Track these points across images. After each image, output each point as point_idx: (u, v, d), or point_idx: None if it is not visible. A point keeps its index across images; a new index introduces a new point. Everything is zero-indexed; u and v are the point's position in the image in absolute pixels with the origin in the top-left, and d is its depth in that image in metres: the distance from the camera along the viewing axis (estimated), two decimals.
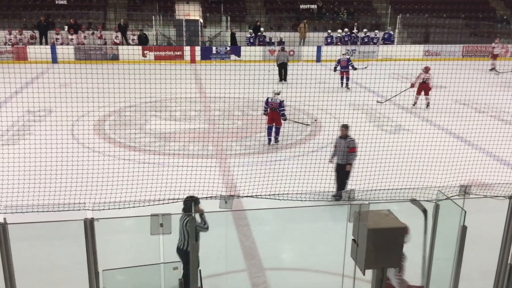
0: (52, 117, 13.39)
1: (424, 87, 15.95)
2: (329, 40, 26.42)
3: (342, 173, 8.89)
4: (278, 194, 5.56)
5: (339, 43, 26.44)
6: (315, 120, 13.51)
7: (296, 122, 13.10)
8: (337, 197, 8.43)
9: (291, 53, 24.92)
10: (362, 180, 8.27)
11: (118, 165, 9.85)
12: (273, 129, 12.00)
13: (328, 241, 7.44)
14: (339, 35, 26.64)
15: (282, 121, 12.01)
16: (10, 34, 23.66)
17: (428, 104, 16.02)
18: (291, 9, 28.80)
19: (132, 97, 15.11)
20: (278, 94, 12.00)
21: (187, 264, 6.85)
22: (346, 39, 26.74)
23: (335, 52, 24.96)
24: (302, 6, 28.43)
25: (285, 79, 20.20)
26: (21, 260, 4.25)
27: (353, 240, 4.40)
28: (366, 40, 26.77)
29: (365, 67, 18.61)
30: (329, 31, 26.67)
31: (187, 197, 5.63)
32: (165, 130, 12.91)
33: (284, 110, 11.84)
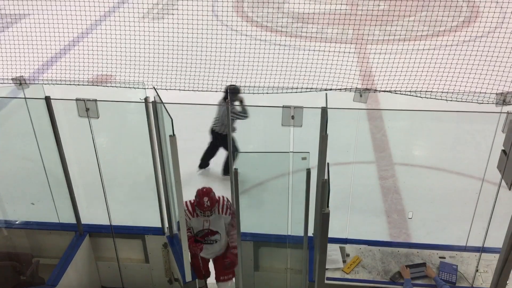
0: None
1: None
2: None
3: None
4: (420, 91, 5.08)
5: None
6: None
7: None
8: None
9: None
10: None
11: (253, 46, 9.86)
12: None
13: (470, 145, 6.88)
14: None
15: None
16: None
17: None
18: None
19: None
20: None
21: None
22: None
23: None
24: None
25: None
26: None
27: (503, 151, 3.97)
28: None
29: None
30: None
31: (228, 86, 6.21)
32: (303, 10, 12.41)
33: None
